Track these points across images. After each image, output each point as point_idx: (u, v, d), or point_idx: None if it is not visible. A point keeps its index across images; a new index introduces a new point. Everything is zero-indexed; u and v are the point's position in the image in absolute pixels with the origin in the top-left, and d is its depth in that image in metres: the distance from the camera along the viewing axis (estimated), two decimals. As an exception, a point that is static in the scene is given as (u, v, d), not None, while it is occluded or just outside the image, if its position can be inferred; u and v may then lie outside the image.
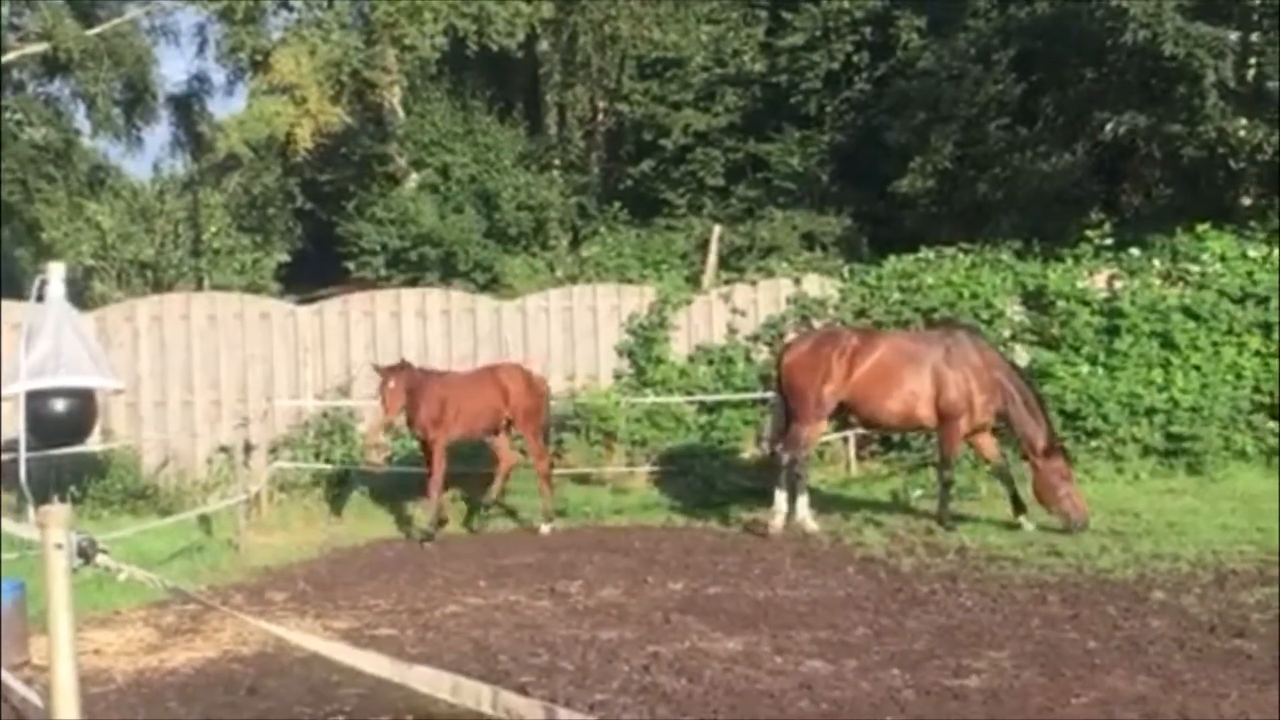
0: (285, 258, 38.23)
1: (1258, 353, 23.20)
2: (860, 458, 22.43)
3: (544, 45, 33.93)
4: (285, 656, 12.35)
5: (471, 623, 14.11)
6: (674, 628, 13.63)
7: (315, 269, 34.02)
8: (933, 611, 14.03)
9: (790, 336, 21.43)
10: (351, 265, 31.23)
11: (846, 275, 24.42)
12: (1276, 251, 24.57)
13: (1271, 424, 22.40)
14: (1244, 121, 24.26)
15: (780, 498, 18.47)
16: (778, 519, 18.37)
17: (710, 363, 23.56)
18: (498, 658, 12.64)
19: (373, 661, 5.38)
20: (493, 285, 28.23)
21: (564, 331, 23.57)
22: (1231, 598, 13.97)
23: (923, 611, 14.02)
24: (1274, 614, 13.25)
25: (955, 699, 10.94)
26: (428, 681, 4.98)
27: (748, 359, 23.61)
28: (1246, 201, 25.60)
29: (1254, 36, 24.64)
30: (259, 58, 33.72)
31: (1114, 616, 13.46)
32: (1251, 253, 24.37)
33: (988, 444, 18.96)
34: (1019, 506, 18.35)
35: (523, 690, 11.16)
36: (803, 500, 18.50)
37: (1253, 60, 24.70)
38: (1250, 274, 24.06)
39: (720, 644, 12.93)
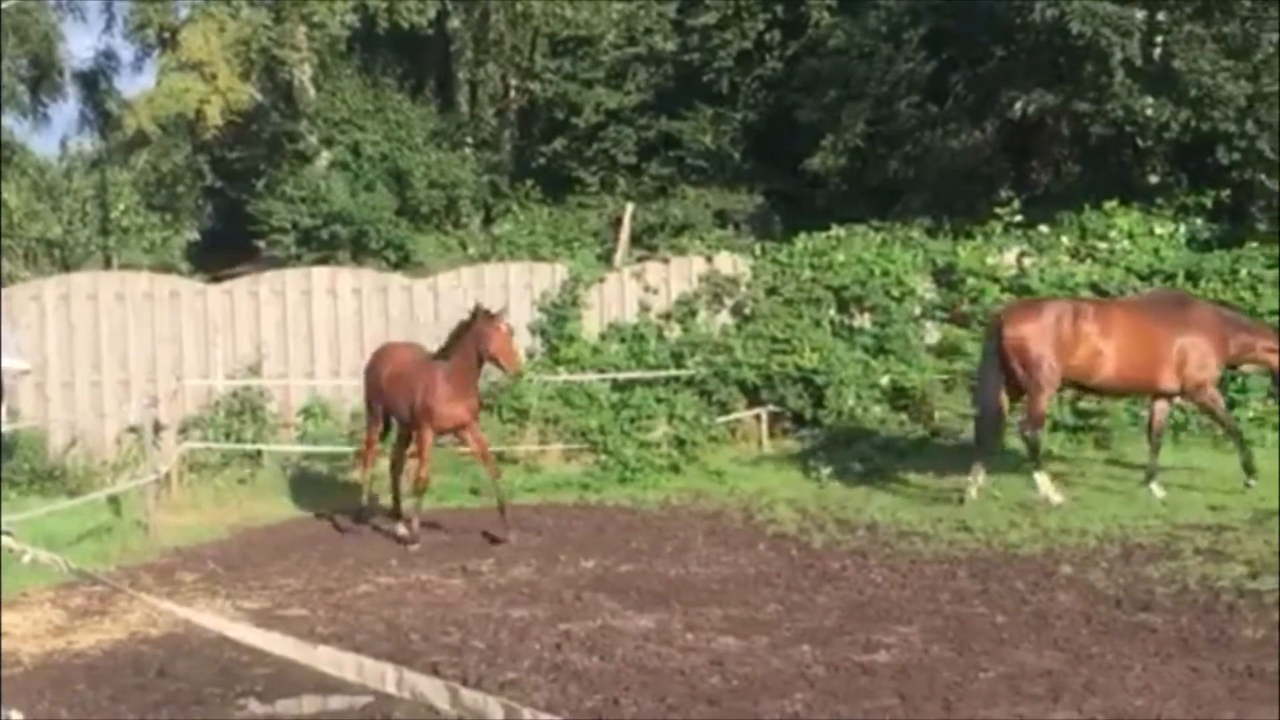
0: (194, 236, 37.97)
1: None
2: (773, 435, 22.50)
3: (455, 22, 33.77)
4: (195, 637, 12.28)
5: (383, 602, 14.09)
6: (585, 606, 13.66)
7: (225, 247, 33.77)
8: (843, 587, 14.12)
9: (1001, 308, 20.59)
10: (262, 244, 30.99)
11: (758, 253, 24.49)
12: (1183, 228, 24.86)
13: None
14: (1150, 100, 24.43)
15: (978, 468, 18.16)
16: (973, 490, 18.01)
17: (623, 340, 23.58)
18: (409, 637, 12.64)
19: (278, 642, 5.36)
20: (405, 263, 28.10)
21: (476, 310, 23.48)
22: (1137, 572, 14.12)
23: (833, 588, 14.11)
24: (1179, 587, 13.42)
25: (865, 674, 11.02)
26: (332, 662, 4.96)
27: (660, 336, 23.64)
28: (1153, 179, 25.80)
29: (1160, 15, 24.83)
30: (167, 34, 33.41)
31: (1022, 591, 13.58)
32: (1158, 229, 24.66)
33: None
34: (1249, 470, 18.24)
35: (434, 669, 11.17)
36: (1042, 475, 18.01)
37: (1159, 39, 24.88)
38: (1157, 250, 24.35)
39: (632, 621, 12.97)
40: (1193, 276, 23.92)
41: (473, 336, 17.21)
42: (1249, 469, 18.11)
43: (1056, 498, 17.64)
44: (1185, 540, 15.34)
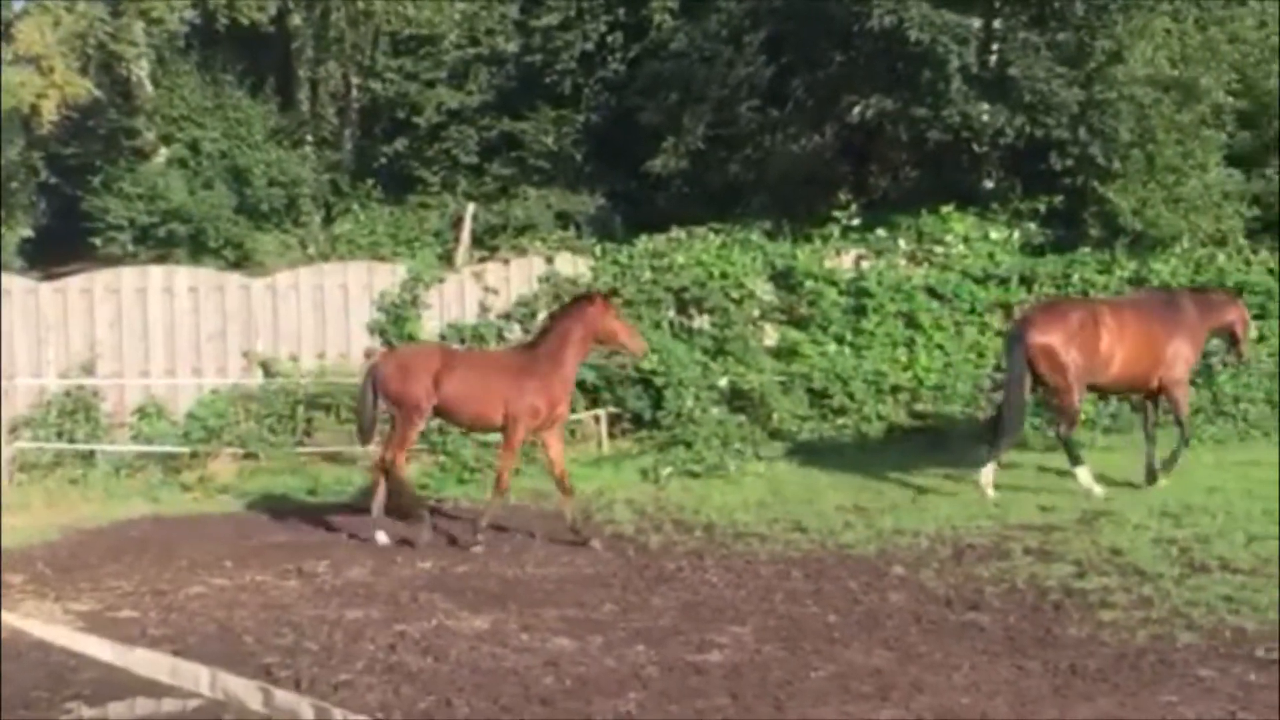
0: (28, 233, 37.31)
1: (999, 332, 23.81)
2: (612, 435, 22.53)
3: (296, 20, 33.49)
4: (21, 640, 12.02)
5: (216, 604, 13.93)
6: (421, 607, 13.60)
7: (60, 245, 33.21)
8: (679, 588, 14.18)
9: (1024, 312, 20.81)
10: (98, 241, 30.53)
11: (599, 254, 24.52)
12: (1017, 233, 25.27)
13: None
14: (986, 106, 24.83)
15: (990, 466, 18.49)
16: (989, 488, 18.27)
17: (462, 340, 23.46)
18: (242, 639, 12.52)
19: (94, 645, 5.30)
20: (244, 262, 27.80)
21: (315, 309, 23.28)
22: (968, 571, 14.32)
23: (669, 588, 14.16)
24: (1008, 587, 13.63)
25: (697, 673, 11.09)
26: (147, 664, 4.92)
27: (500, 337, 23.57)
28: (989, 184, 26.23)
29: (996, 23, 25.27)
30: (1, 28, 32.82)
31: (854, 591, 13.72)
32: (993, 234, 25.07)
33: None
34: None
35: (266, 672, 11.11)
36: (1084, 470, 18.35)
37: (995, 46, 25.31)
38: (992, 255, 24.76)
39: (467, 622, 12.95)
40: (1026, 281, 24.39)
41: (578, 321, 16.67)
42: (1167, 466, 18.82)
43: (1098, 490, 18.08)
44: (1015, 540, 15.57)
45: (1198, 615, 12.27)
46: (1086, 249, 25.15)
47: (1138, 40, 24.80)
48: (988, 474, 18.39)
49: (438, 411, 17.20)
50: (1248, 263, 25.67)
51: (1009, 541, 15.55)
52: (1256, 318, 24.50)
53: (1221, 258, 25.51)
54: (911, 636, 12.03)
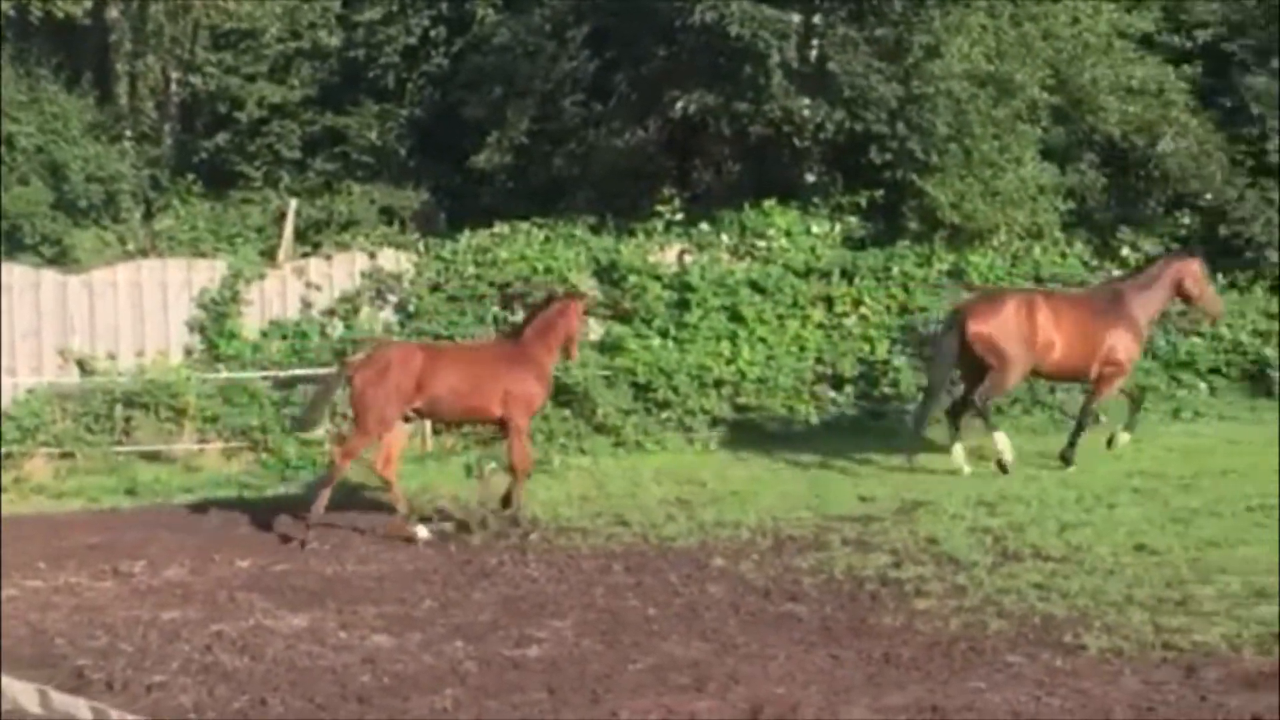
0: None
1: (820, 325, 24.11)
2: (436, 432, 22.42)
3: (114, 13, 32.91)
4: None
5: (29, 606, 13.70)
6: (239, 606, 13.51)
7: None
8: (499, 583, 14.22)
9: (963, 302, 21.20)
10: (-91, 238, 29.85)
11: (422, 249, 24.42)
12: (838, 227, 25.51)
13: (833, 394, 23.23)
14: (807, 101, 24.97)
15: (959, 448, 19.52)
16: (963, 462, 19.34)
17: (284, 337, 23.27)
18: (55, 641, 12.35)
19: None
20: (61, 259, 27.28)
21: (133, 307, 22.93)
22: (787, 563, 14.48)
23: (490, 583, 14.20)
24: (825, 578, 13.80)
25: (515, 668, 11.12)
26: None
27: (323, 333, 23.39)
28: (810, 179, 26.34)
29: (815, 19, 25.39)
30: None
31: (675, 584, 13.84)
32: (815, 228, 25.29)
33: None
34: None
35: (79, 674, 10.97)
36: (1001, 434, 19.46)
37: (815, 42, 25.43)
38: (813, 249, 24.99)
39: (285, 621, 12.89)
40: (848, 274, 24.65)
41: (561, 317, 17.25)
42: (1067, 453, 19.60)
43: (1009, 457, 19.14)
44: (834, 531, 15.79)
45: (1009, 603, 12.51)
46: (906, 242, 25.44)
47: (954, 36, 25.05)
48: (958, 451, 19.48)
49: (420, 412, 17.41)
50: (1063, 255, 26.17)
51: (828, 533, 15.75)
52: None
53: (1038, 250, 25.98)
54: (730, 628, 12.15)
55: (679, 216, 24.97)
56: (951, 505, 16.84)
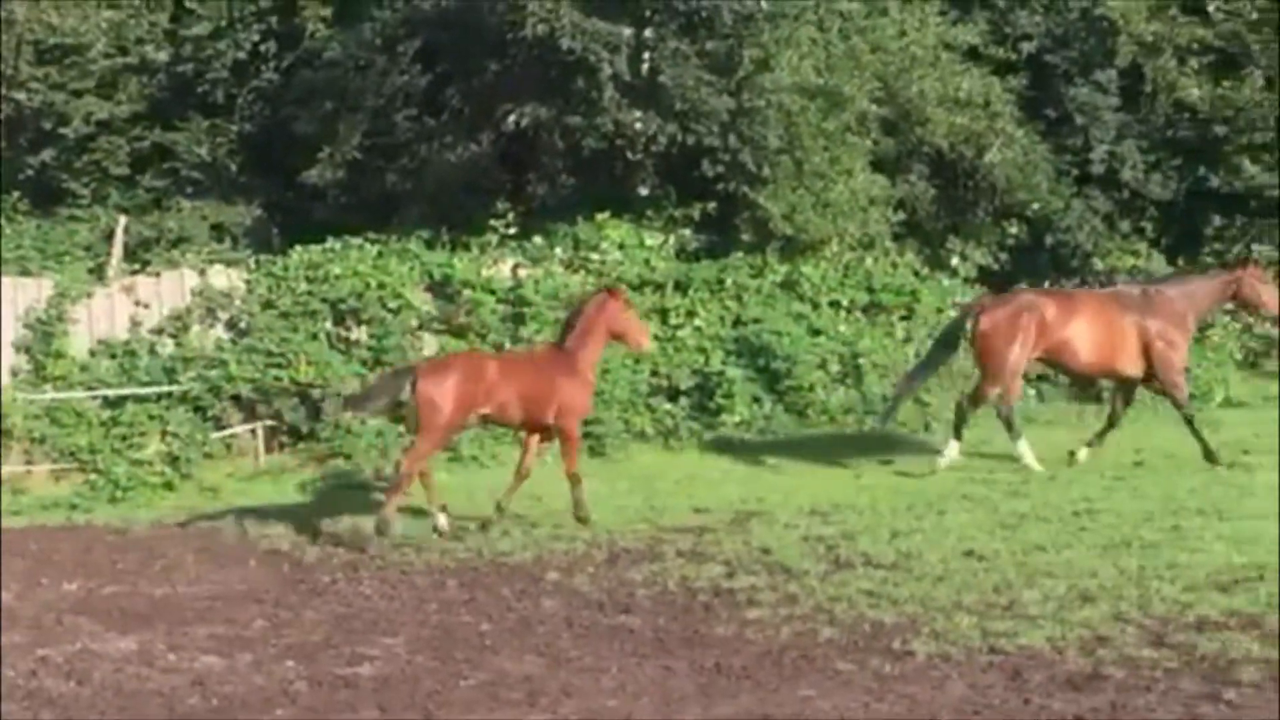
0: None
1: (656, 337, 24.03)
2: (270, 449, 22.25)
3: (-65, 29, 32.40)
4: None
5: None
6: (66, 629, 13.27)
7: None
8: (332, 601, 14.11)
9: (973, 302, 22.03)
10: None
11: (253, 266, 24.19)
12: (672, 240, 25.65)
13: (668, 405, 23.29)
14: (639, 114, 25.06)
15: (953, 445, 19.96)
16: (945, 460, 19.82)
17: (113, 356, 22.93)
18: None
19: None
20: (-118, 280, 26.72)
21: (-47, 328, 22.55)
22: (621, 575, 14.49)
23: (322, 602, 14.08)
24: (659, 589, 13.83)
25: (347, 687, 11.03)
26: None
27: (152, 352, 23.08)
28: (644, 192, 26.44)
29: (647, 32, 25.47)
30: None
31: (509, 598, 13.80)
32: (649, 241, 25.40)
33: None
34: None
35: (-103, 705, 10.72)
36: (1024, 443, 19.87)
37: (647, 55, 25.52)
38: (647, 261, 25.08)
39: (113, 644, 12.68)
40: (682, 286, 24.73)
41: (600, 315, 17.38)
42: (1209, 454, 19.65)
43: (1036, 465, 19.51)
44: (669, 543, 15.81)
45: (840, 611, 12.60)
46: (739, 254, 25.64)
47: (784, 49, 25.26)
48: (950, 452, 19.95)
49: (485, 419, 17.63)
50: (894, 265, 26.47)
51: (662, 544, 15.78)
52: (903, 319, 25.38)
53: (869, 261, 26.26)
54: (563, 641, 12.14)
55: (513, 230, 24.98)
56: (785, 514, 16.94)
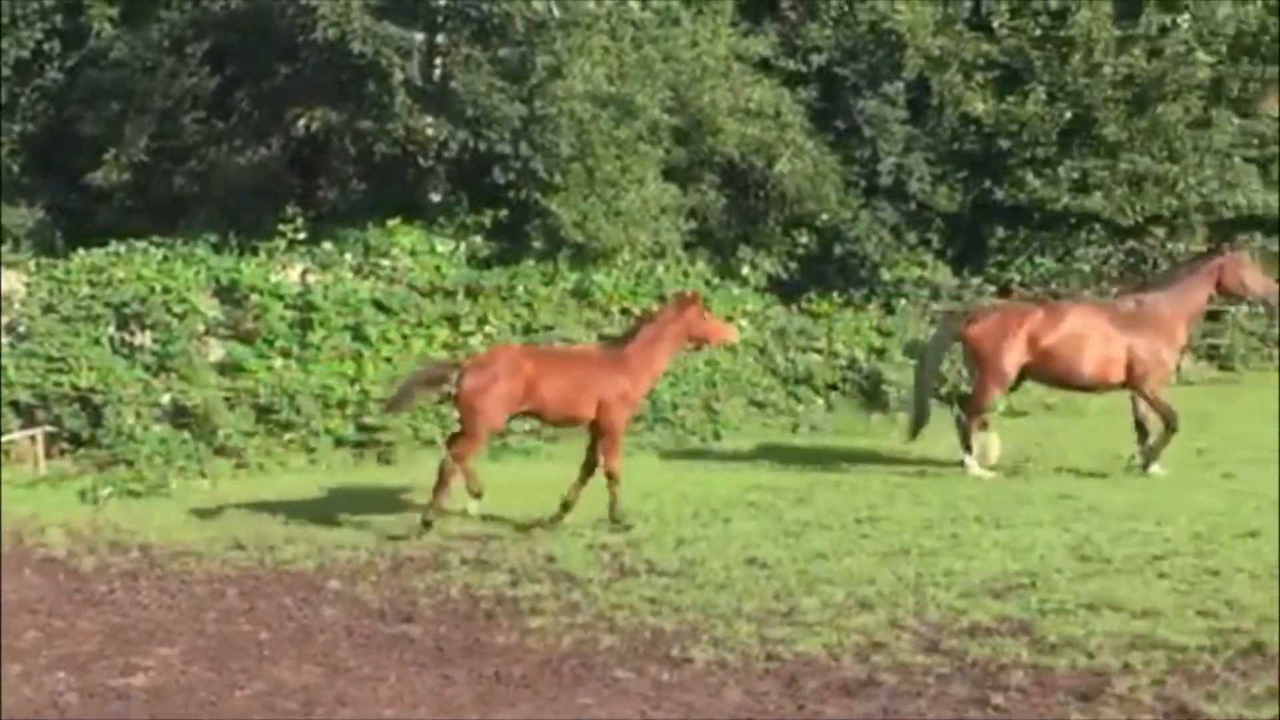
0: None
1: (446, 344, 24.06)
2: (50, 456, 21.80)
3: None
4: None
5: None
6: None
7: None
8: (108, 611, 13.88)
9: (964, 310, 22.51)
10: None
11: (33, 269, 23.69)
12: (463, 246, 25.58)
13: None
14: (431, 120, 24.94)
15: (969, 459, 19.55)
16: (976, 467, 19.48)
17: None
18: None
19: None
20: None
21: None
22: (404, 583, 14.42)
23: (98, 612, 13.84)
24: (442, 598, 13.79)
25: (119, 699, 10.89)
26: None
27: (-78, 360, 22.52)
28: (436, 198, 26.33)
29: (440, 38, 25.38)
30: None
31: (289, 607, 13.68)
32: (440, 247, 25.33)
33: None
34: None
35: None
36: (971, 459, 19.54)
37: (439, 61, 25.42)
38: (438, 268, 25.01)
39: (-126, 656, 12.34)
40: (473, 293, 24.66)
41: (677, 321, 17.30)
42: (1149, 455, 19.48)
43: (986, 474, 19.28)
44: (454, 551, 15.76)
45: (621, 618, 12.64)
46: (530, 261, 25.66)
47: (576, 57, 25.31)
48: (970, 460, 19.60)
49: (527, 415, 17.64)
50: (685, 274, 26.67)
51: (447, 552, 15.71)
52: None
53: (661, 269, 26.41)
54: (342, 651, 12.06)
55: (302, 235, 24.70)
56: (571, 523, 16.92)
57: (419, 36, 24.87)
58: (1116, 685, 10.19)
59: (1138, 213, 29.33)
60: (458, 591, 13.97)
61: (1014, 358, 19.61)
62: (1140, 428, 19.85)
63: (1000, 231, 29.74)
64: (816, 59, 29.55)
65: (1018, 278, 29.04)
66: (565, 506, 17.05)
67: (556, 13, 24.69)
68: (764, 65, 28.91)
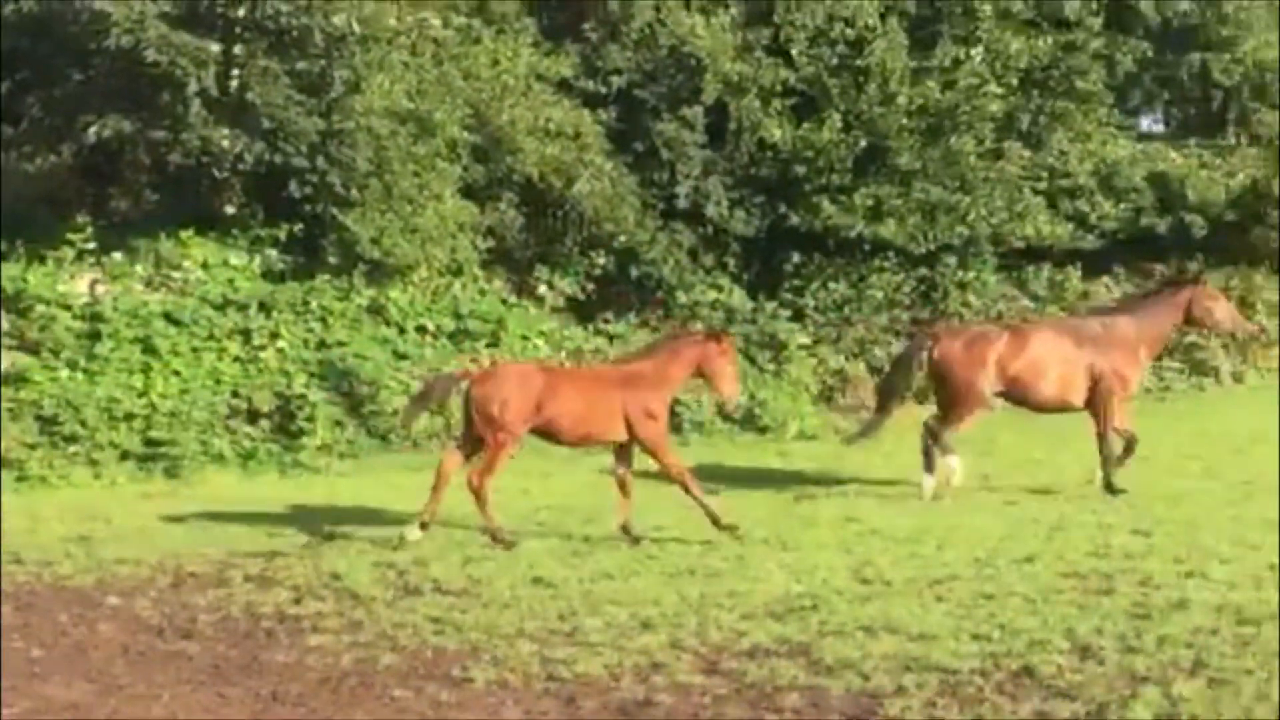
0: None
1: (237, 358, 23.83)
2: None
3: None
4: None
5: None
6: None
7: None
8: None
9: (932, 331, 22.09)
10: None
11: None
12: (257, 259, 25.33)
13: (248, 428, 22.98)
14: (226, 131, 24.65)
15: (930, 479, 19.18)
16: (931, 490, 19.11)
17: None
18: None
19: None
20: None
21: None
22: (185, 600, 14.20)
23: None
24: (223, 615, 13.61)
25: (-122, 718, 10.58)
26: None
27: None
28: (230, 210, 26.07)
29: (236, 49, 25.13)
30: None
31: (64, 624, 13.41)
32: (234, 260, 25.08)
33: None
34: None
35: None
36: (930, 478, 19.12)
37: (235, 72, 25.15)
38: (232, 281, 24.78)
39: None
40: (266, 307, 24.45)
41: (696, 351, 17.07)
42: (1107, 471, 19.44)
43: (943, 497, 19.00)
44: (237, 567, 15.54)
45: (403, 637, 12.56)
46: (325, 276, 25.46)
47: (375, 73, 25.18)
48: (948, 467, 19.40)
49: (537, 432, 17.05)
50: (482, 292, 26.71)
51: (230, 569, 15.50)
52: (489, 345, 25.52)
53: (457, 286, 26.39)
54: (117, 668, 11.86)
55: (92, 245, 24.27)
56: (359, 540, 16.81)
57: (215, 47, 24.60)
58: (888, 707, 10.30)
59: (930, 241, 29.89)
60: (239, 609, 13.78)
61: (988, 382, 19.61)
62: (1108, 447, 19.89)
63: (796, 257, 30.12)
64: (617, 81, 29.65)
65: (813, 303, 29.37)
66: (712, 520, 16.80)
67: (356, 27, 24.53)
68: (564, 85, 28.96)
